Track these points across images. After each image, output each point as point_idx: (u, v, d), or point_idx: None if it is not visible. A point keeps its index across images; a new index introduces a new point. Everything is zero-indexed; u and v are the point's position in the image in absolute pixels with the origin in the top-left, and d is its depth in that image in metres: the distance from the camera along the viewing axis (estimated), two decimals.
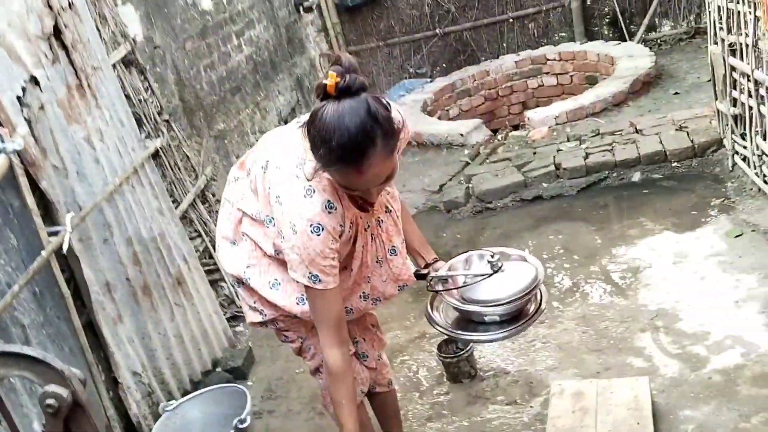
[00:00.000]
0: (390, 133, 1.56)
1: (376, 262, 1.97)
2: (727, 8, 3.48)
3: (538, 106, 6.13)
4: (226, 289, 3.77)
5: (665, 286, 3.21)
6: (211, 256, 3.71)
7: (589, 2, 6.84)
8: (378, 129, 1.52)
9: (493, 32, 7.10)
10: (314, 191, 1.69)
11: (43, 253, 2.44)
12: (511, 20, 7.00)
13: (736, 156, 3.87)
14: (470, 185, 4.62)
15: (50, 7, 2.80)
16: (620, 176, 4.34)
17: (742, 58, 3.46)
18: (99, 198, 2.84)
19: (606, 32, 6.88)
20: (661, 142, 4.34)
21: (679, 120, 4.56)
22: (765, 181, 3.49)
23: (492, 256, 1.95)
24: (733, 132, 3.81)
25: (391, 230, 1.98)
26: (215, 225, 3.76)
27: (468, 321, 2.00)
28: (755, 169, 3.58)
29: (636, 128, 4.66)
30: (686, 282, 3.19)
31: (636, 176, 4.29)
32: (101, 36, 3.20)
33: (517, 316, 1.95)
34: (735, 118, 3.74)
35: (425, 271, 2.08)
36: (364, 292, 1.99)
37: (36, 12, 2.72)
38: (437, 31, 7.13)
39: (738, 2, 3.31)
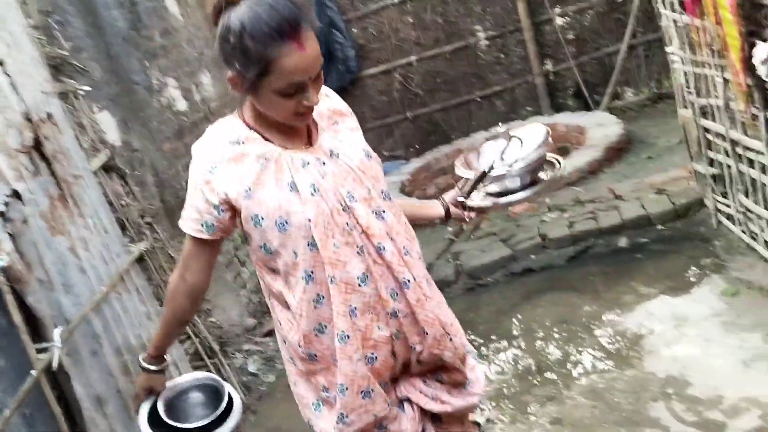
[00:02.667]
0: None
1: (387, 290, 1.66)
2: (695, 73, 3.59)
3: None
4: None
5: (670, 352, 3.16)
6: (201, 358, 3.58)
7: (552, 77, 7.07)
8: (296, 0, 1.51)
9: (462, 111, 7.26)
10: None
11: (34, 372, 2.32)
12: (479, 99, 7.18)
13: (719, 215, 3.91)
14: (459, 262, 4.60)
15: (30, 120, 2.77)
16: (607, 243, 4.35)
17: (714, 120, 3.54)
18: (86, 309, 2.74)
19: (571, 104, 7.08)
20: (643, 207, 4.39)
21: (657, 183, 4.63)
22: (753, 238, 3.52)
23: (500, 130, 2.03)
24: (713, 191, 3.86)
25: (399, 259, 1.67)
26: (203, 326, 3.67)
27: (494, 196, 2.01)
28: (741, 226, 3.62)
29: (615, 194, 4.72)
30: (690, 346, 3.14)
31: (623, 242, 4.30)
32: (81, 144, 3.17)
33: (534, 181, 2.00)
34: (714, 177, 3.80)
35: (445, 200, 2.01)
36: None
37: (16, 126, 2.69)
38: (407, 114, 7.28)
39: (705, 67, 3.42)
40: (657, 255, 4.06)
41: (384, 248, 1.63)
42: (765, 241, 3.37)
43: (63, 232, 2.78)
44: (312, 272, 1.59)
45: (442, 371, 1.78)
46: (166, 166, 4.25)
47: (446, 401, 1.78)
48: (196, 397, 2.01)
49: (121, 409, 2.83)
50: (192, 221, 1.64)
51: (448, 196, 2.00)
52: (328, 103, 1.74)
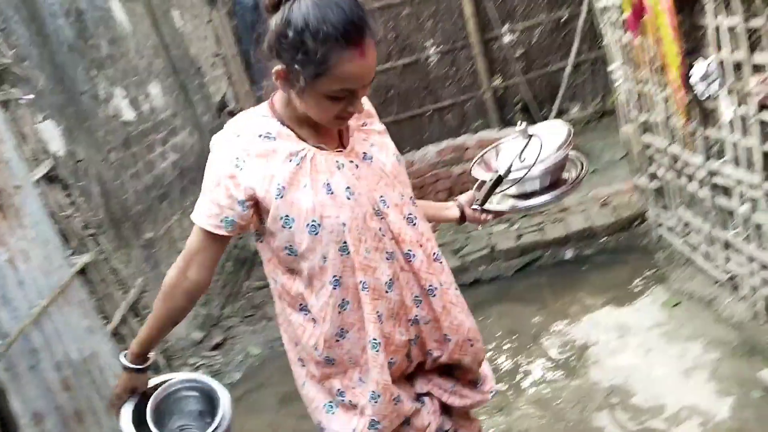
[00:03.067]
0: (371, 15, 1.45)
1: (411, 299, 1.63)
2: (637, 90, 3.70)
3: (464, 192, 6.25)
4: None
5: (614, 362, 3.22)
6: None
7: (501, 92, 7.19)
8: (363, 5, 1.42)
9: (414, 124, 7.31)
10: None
11: None
12: (430, 112, 7.25)
13: (661, 227, 4.03)
14: None
15: None
16: (553, 254, 4.43)
17: (655, 135, 3.65)
18: (25, 323, 2.65)
19: (519, 118, 7.20)
20: (588, 219, 4.48)
21: (602, 196, 4.75)
22: (692, 250, 3.63)
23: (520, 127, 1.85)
24: (655, 205, 3.98)
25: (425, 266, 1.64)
26: None
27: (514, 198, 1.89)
28: (681, 238, 3.73)
29: (561, 207, 4.81)
30: (633, 356, 3.22)
31: (569, 253, 4.39)
32: (22, 154, 3.08)
33: (555, 183, 1.86)
34: (655, 191, 3.91)
35: (461, 200, 1.91)
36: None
37: None
38: None
39: (646, 84, 3.53)
40: (602, 266, 4.15)
41: (413, 255, 1.60)
42: (703, 252, 3.48)
43: (2, 243, 2.69)
44: (340, 277, 1.55)
45: (457, 369, 1.75)
46: (112, 177, 4.16)
47: (465, 395, 1.77)
48: (184, 398, 1.87)
49: (60, 426, 2.74)
50: (210, 216, 1.54)
51: (464, 198, 1.92)
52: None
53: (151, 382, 1.84)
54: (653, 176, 3.87)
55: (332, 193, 1.51)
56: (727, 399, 2.73)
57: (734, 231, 3.09)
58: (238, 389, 3.94)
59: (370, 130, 1.67)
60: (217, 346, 4.42)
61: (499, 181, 1.79)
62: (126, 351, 1.77)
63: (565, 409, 3.01)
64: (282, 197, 1.50)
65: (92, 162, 3.98)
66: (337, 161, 1.55)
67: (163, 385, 1.82)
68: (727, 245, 3.23)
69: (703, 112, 3.05)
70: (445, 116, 7.32)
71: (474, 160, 1.96)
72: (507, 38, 7.00)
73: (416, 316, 1.62)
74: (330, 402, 1.68)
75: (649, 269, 3.90)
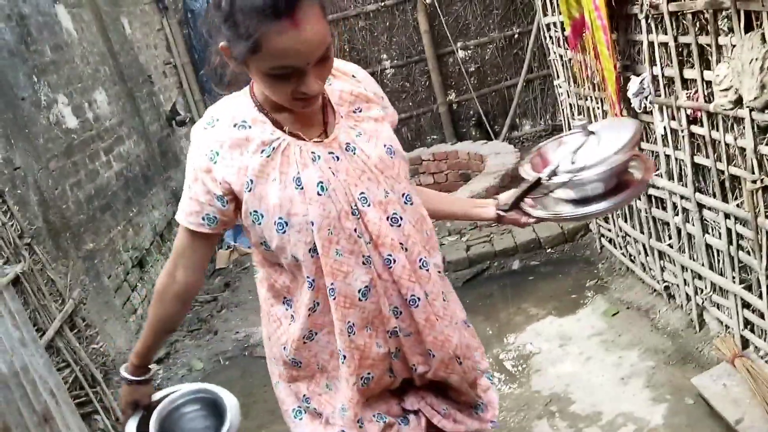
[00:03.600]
0: None
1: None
2: (578, 105, 3.77)
3: None
4: (101, 421, 3.45)
5: (555, 371, 3.25)
6: (82, 387, 3.40)
7: (455, 107, 7.27)
8: None
9: None
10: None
11: None
12: None
13: (602, 239, 4.10)
14: None
15: None
16: (501, 265, 4.47)
17: None
18: None
19: (473, 133, 7.29)
20: (534, 231, 4.54)
21: None
22: (631, 260, 3.70)
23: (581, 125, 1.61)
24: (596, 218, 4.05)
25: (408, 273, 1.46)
26: (85, 352, 3.49)
27: (569, 203, 1.63)
28: (621, 249, 3.80)
29: None
30: (573, 364, 3.25)
31: (515, 264, 4.43)
32: None
33: (618, 186, 1.59)
34: None
35: (499, 201, 1.71)
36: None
37: None
38: None
39: (586, 99, 3.60)
40: (547, 277, 4.20)
41: (394, 260, 1.43)
42: (641, 263, 3.55)
43: None
44: (314, 279, 1.42)
45: (451, 389, 1.60)
46: (51, 185, 4.06)
47: (460, 421, 1.61)
48: (190, 411, 1.77)
49: None
50: (191, 214, 1.44)
51: (504, 196, 1.72)
52: (352, 85, 1.51)
53: (157, 396, 1.75)
54: None
55: (301, 188, 1.37)
56: (661, 405, 2.78)
57: (668, 242, 3.16)
58: None
59: (362, 117, 1.49)
60: (159, 361, 4.33)
61: (535, 185, 1.58)
62: (125, 364, 1.68)
63: (506, 417, 3.02)
64: (251, 191, 1.38)
65: (30, 170, 3.88)
66: (313, 152, 1.40)
67: (168, 398, 1.74)
68: (662, 255, 3.30)
69: None
70: (401, 129, 7.36)
71: (529, 155, 1.72)
72: (461, 54, 7.09)
73: (395, 327, 1.47)
74: (298, 407, 1.58)
75: (591, 279, 3.96)
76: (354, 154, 1.43)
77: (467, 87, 7.13)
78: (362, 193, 1.41)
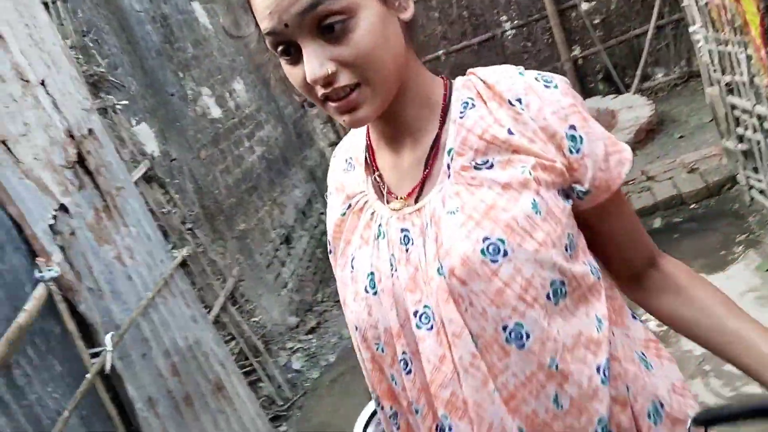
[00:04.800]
0: None
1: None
2: (719, 51, 3.58)
3: None
4: (265, 389, 3.75)
5: None
6: (247, 358, 3.71)
7: (580, 62, 7.05)
8: None
9: None
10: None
11: (88, 375, 2.46)
12: None
13: (752, 190, 3.89)
14: None
15: (72, 137, 2.93)
16: (642, 224, 4.35)
17: (740, 96, 3.53)
18: (134, 314, 2.88)
19: (601, 88, 7.04)
20: (675, 186, 4.37)
21: (689, 162, 4.61)
22: None
23: None
24: (744, 167, 3.84)
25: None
26: (247, 325, 3.80)
27: None
28: None
29: (648, 176, 4.71)
30: None
31: (657, 222, 4.30)
32: (121, 157, 3.32)
33: None
34: (744, 153, 3.78)
35: None
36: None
37: (59, 143, 2.84)
38: None
39: (728, 44, 3.41)
40: (692, 234, 4.05)
41: (448, 429, 0.87)
42: None
43: (109, 241, 2.92)
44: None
45: None
46: (204, 173, 4.39)
47: None
48: None
49: (171, 410, 2.96)
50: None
51: None
52: (502, 119, 0.89)
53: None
54: (741, 138, 3.74)
55: (353, 271, 0.95)
56: None
57: None
58: (333, 371, 4.11)
59: (483, 180, 0.87)
60: (311, 330, 4.60)
61: None
62: None
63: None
64: (332, 253, 1.04)
65: (185, 160, 4.22)
66: (380, 225, 0.93)
67: None
68: None
69: None
70: None
71: None
72: (584, 6, 6.84)
73: None
74: None
75: (741, 234, 3.78)
76: (436, 237, 0.86)
77: (592, 40, 6.88)
78: (426, 306, 0.86)
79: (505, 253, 0.83)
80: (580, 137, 0.87)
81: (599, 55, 6.92)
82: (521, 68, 0.94)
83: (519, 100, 0.89)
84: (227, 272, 3.93)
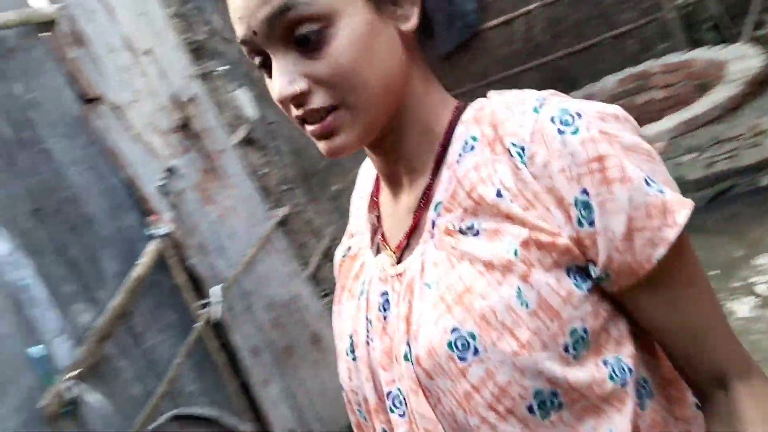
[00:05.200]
0: None
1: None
2: None
3: (650, 122, 5.98)
4: None
5: None
6: None
7: (686, 11, 6.67)
8: None
9: (589, 56, 7.03)
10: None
11: (197, 325, 2.64)
12: (606, 41, 6.92)
13: None
14: None
15: (177, 103, 3.08)
16: (750, 182, 4.14)
17: None
18: (238, 269, 3.04)
19: (709, 37, 6.65)
20: None
21: None
22: None
23: None
24: None
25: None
26: None
27: None
28: None
29: (757, 131, 4.45)
30: None
31: (765, 180, 4.08)
32: (222, 121, 3.47)
33: None
34: None
35: None
36: None
37: (166, 109, 3.00)
38: (532, 63, 7.16)
39: None
40: None
41: None
42: None
43: (213, 201, 3.08)
44: None
45: None
46: (299, 136, 4.51)
47: None
48: None
49: (273, 359, 3.13)
50: None
51: None
52: (497, 174, 0.69)
53: None
54: None
55: (340, 326, 0.85)
56: None
57: None
58: None
59: (463, 251, 0.70)
60: None
61: None
62: None
63: (760, 340, 2.89)
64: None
65: (281, 124, 4.34)
66: (366, 280, 0.81)
67: None
68: None
69: None
70: (624, 43, 6.95)
71: None
72: None
73: None
74: None
75: None
76: (413, 308, 0.72)
77: None
78: (399, 389, 0.74)
79: (476, 351, 0.66)
80: (592, 207, 0.65)
81: (707, 3, 6.52)
82: (545, 96, 0.72)
83: (522, 150, 0.67)
84: (322, 231, 4.06)
